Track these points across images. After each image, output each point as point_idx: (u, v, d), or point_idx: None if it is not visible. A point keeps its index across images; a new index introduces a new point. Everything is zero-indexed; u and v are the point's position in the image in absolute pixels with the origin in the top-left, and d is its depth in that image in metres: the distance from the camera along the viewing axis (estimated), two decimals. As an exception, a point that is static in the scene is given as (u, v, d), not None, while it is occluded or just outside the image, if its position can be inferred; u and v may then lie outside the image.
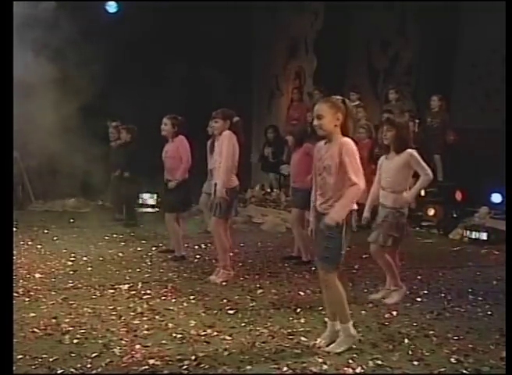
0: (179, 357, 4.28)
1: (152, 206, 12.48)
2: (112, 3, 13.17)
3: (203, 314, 5.29)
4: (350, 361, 4.24)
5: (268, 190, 12.02)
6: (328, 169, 4.34)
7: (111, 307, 5.43)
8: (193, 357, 4.26)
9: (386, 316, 5.30)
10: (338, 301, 4.46)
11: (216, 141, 6.66)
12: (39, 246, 8.14)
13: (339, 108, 4.31)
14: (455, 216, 9.63)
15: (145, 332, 4.78)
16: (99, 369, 4.07)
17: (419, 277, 6.73)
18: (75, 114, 12.18)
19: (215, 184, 6.46)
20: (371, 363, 4.20)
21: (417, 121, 10.30)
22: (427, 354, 4.40)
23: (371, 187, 5.96)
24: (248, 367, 4.14)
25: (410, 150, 5.66)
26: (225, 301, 5.70)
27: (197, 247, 8.35)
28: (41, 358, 4.21)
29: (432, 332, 4.86)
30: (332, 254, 4.33)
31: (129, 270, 6.93)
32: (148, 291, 5.97)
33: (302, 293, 5.96)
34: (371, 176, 6.04)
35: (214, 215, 6.47)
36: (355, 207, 4.37)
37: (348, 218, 4.31)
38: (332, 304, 4.50)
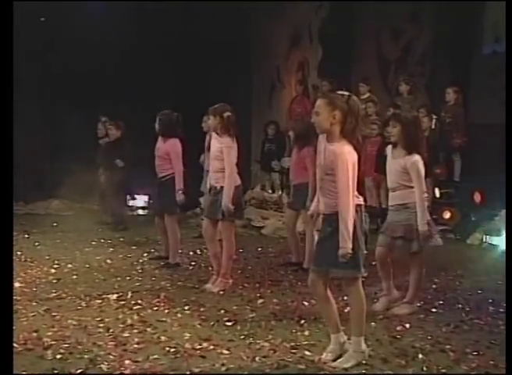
0: (172, 373, 4.25)
1: (143, 208, 12.48)
2: None
3: (198, 326, 5.27)
4: (359, 377, 4.23)
5: (270, 191, 12.01)
6: (326, 170, 4.36)
7: (98, 319, 5.40)
8: (187, 373, 4.24)
9: (398, 328, 5.27)
10: (360, 312, 4.44)
11: (214, 139, 6.66)
12: (19, 252, 8.13)
13: (336, 105, 4.31)
14: (473, 219, 9.61)
15: (135, 346, 4.75)
16: (85, 387, 4.05)
17: (434, 286, 6.71)
18: (61, 109, 12.30)
19: (214, 188, 6.52)
20: (382, 380, 4.19)
21: (434, 117, 10.28)
22: (443, 370, 4.38)
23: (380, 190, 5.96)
24: (248, 384, 4.13)
25: (416, 157, 5.56)
26: (222, 312, 5.68)
27: (191, 253, 8.35)
28: (21, 375, 4.18)
29: (448, 346, 4.83)
30: (350, 259, 4.27)
31: (118, 278, 6.92)
32: (139, 301, 5.95)
33: (306, 303, 5.94)
34: (379, 176, 6.02)
35: (224, 219, 6.49)
36: (359, 202, 4.37)
37: (355, 215, 4.29)
38: (352, 316, 4.46)
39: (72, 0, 12.25)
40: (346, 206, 4.25)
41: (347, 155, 4.28)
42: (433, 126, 10.24)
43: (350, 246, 4.23)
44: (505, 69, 7.58)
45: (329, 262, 4.35)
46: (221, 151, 6.43)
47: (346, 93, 4.41)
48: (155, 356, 4.55)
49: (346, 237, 4.23)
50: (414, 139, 5.63)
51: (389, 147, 5.82)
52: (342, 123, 4.32)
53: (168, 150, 7.52)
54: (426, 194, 5.65)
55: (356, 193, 4.36)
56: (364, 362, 4.42)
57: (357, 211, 4.31)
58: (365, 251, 4.37)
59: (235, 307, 5.83)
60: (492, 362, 4.52)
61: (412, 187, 5.58)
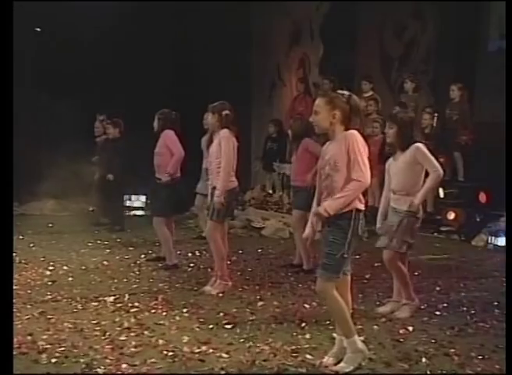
0: (170, 377, 4.27)
1: (141, 209, 12.48)
2: None
3: (197, 329, 5.27)
4: (362, 382, 4.23)
5: (270, 191, 12.01)
6: (334, 165, 4.35)
7: (94, 322, 5.40)
8: (185, 377, 4.25)
9: (401, 331, 5.27)
10: (337, 314, 4.45)
11: (214, 138, 6.68)
12: (13, 254, 8.11)
13: (336, 105, 4.36)
14: (478, 220, 9.61)
15: (132, 349, 4.76)
16: (80, 392, 4.06)
17: (438, 289, 6.71)
18: (59, 107, 12.29)
19: (213, 188, 6.52)
20: (384, 384, 4.20)
21: (436, 115, 10.28)
22: (447, 375, 4.38)
23: (383, 191, 5.97)
24: (247, 388, 4.13)
25: (416, 144, 5.64)
26: (221, 314, 5.68)
27: (190, 254, 8.35)
28: (15, 379, 4.18)
29: (452, 350, 4.83)
30: (332, 261, 4.31)
31: (115, 280, 6.92)
32: (136, 304, 5.95)
33: (307, 305, 5.94)
34: (381, 176, 6.03)
35: (211, 218, 6.50)
36: (361, 207, 4.36)
37: (354, 221, 4.29)
38: (333, 318, 4.50)
39: (73, 0, 12.29)
40: (356, 183, 4.25)
41: (359, 136, 4.32)
42: (434, 124, 10.24)
43: (331, 213, 4.24)
44: (505, 70, 7.59)
45: (320, 262, 4.42)
46: (218, 144, 6.43)
47: (347, 92, 4.44)
48: (153, 360, 4.54)
49: (335, 202, 4.26)
50: (410, 139, 5.67)
51: (390, 159, 5.86)
52: (342, 122, 4.35)
53: (164, 139, 7.57)
54: (441, 172, 5.65)
55: (360, 196, 4.37)
56: (364, 364, 4.42)
57: (355, 217, 4.31)
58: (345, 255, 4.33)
59: (234, 309, 5.83)
60: (497, 367, 4.52)
61: (410, 195, 5.60)
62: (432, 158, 5.68)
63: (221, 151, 6.41)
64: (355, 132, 4.35)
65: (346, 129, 4.36)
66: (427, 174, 5.72)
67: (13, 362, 4.41)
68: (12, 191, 5.27)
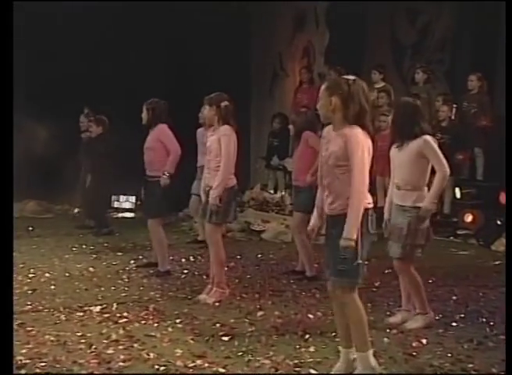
0: (161, 394, 4.27)
1: (130, 211, 12.49)
2: None
3: (191, 341, 5.28)
4: (371, 399, 4.23)
5: (272, 191, 12.01)
6: (335, 161, 4.33)
7: (79, 334, 5.40)
8: (178, 394, 4.26)
9: (414, 344, 5.26)
10: (359, 326, 4.43)
11: (209, 132, 6.68)
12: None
13: (334, 91, 4.32)
14: (499, 222, 9.59)
15: (121, 364, 4.75)
16: (64, 410, 4.06)
17: (454, 298, 6.70)
18: (39, 97, 12.29)
19: (210, 188, 6.54)
20: (396, 402, 4.20)
21: (454, 106, 10.26)
22: (465, 391, 4.39)
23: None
24: (246, 406, 4.13)
25: (426, 136, 5.61)
26: (218, 325, 5.68)
27: (184, 260, 8.36)
28: (-8, 397, 4.18)
29: (471, 365, 4.82)
30: (349, 265, 4.28)
31: (102, 289, 6.93)
32: (125, 314, 5.95)
33: (311, 315, 5.94)
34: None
35: (209, 221, 6.50)
36: (368, 205, 4.35)
37: (362, 219, 4.28)
38: (352, 329, 4.46)
39: (69, 0, 12.33)
40: (359, 192, 4.22)
41: (361, 135, 4.27)
42: (453, 117, 10.23)
43: (355, 237, 4.20)
44: (506, 69, 7.62)
45: (330, 268, 4.38)
46: (218, 141, 6.44)
47: (352, 77, 4.39)
48: (143, 375, 4.55)
49: (353, 224, 4.20)
50: (411, 124, 5.62)
51: (393, 148, 5.83)
52: (342, 109, 4.31)
53: (158, 135, 7.56)
54: (448, 172, 5.63)
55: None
56: (376, 381, 4.44)
57: (364, 215, 4.29)
58: (366, 262, 4.33)
59: (232, 320, 5.83)
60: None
61: (417, 190, 5.59)
62: (441, 155, 5.62)
63: (221, 149, 6.41)
64: (356, 130, 4.28)
65: (346, 117, 4.30)
66: (433, 170, 5.70)
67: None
68: (12, 195, 5.31)
